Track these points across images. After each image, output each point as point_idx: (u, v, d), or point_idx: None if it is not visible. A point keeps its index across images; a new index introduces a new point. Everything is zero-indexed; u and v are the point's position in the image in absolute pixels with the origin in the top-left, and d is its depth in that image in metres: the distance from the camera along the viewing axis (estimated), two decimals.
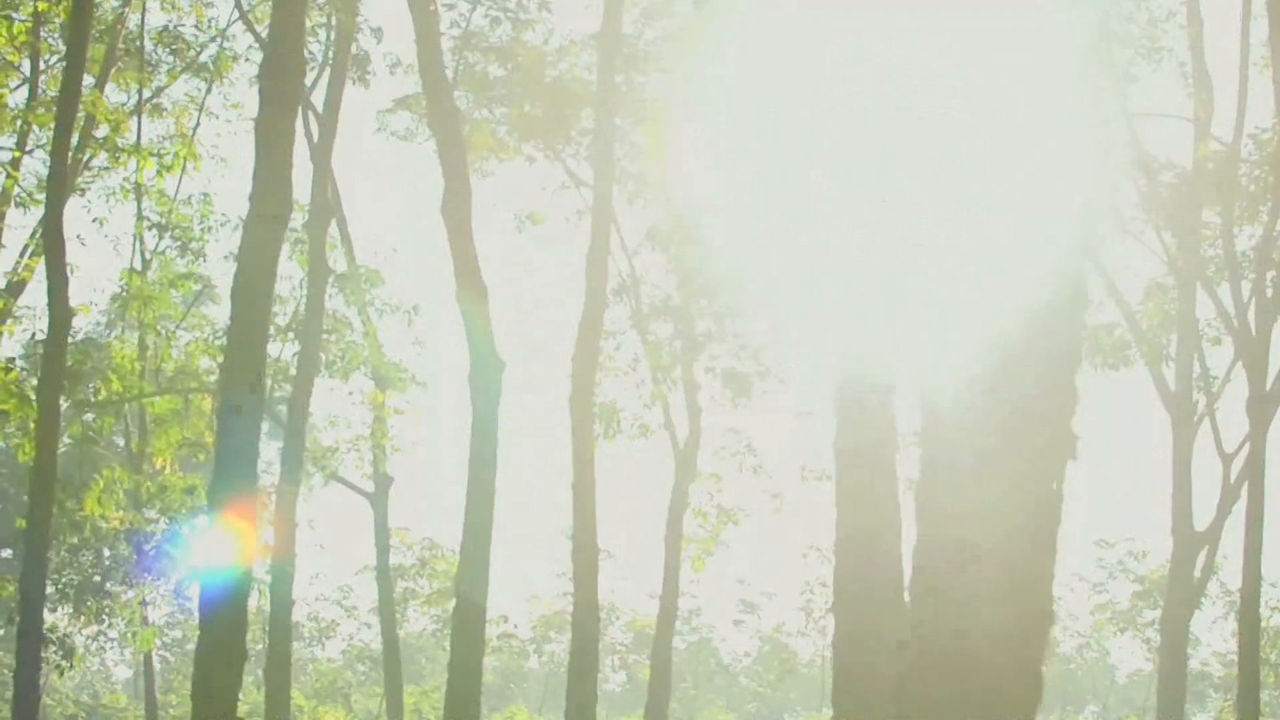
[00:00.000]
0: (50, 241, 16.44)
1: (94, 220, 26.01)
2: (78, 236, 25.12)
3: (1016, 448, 4.97)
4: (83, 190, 25.06)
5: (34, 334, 23.27)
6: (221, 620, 10.51)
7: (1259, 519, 24.71)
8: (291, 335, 26.80)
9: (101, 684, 66.90)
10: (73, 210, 22.40)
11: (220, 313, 33.60)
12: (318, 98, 27.40)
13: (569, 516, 22.88)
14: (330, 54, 27.83)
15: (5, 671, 45.76)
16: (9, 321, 23.87)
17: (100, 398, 23.52)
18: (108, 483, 21.66)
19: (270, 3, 28.27)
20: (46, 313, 17.14)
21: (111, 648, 47.33)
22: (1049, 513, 4.76)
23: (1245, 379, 26.70)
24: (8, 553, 45.08)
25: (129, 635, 23.78)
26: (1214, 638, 57.13)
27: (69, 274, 17.05)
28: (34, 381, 21.24)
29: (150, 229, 27.33)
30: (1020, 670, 4.71)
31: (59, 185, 16.68)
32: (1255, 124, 27.07)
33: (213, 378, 26.18)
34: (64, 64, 16.12)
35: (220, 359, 26.98)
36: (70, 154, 18.68)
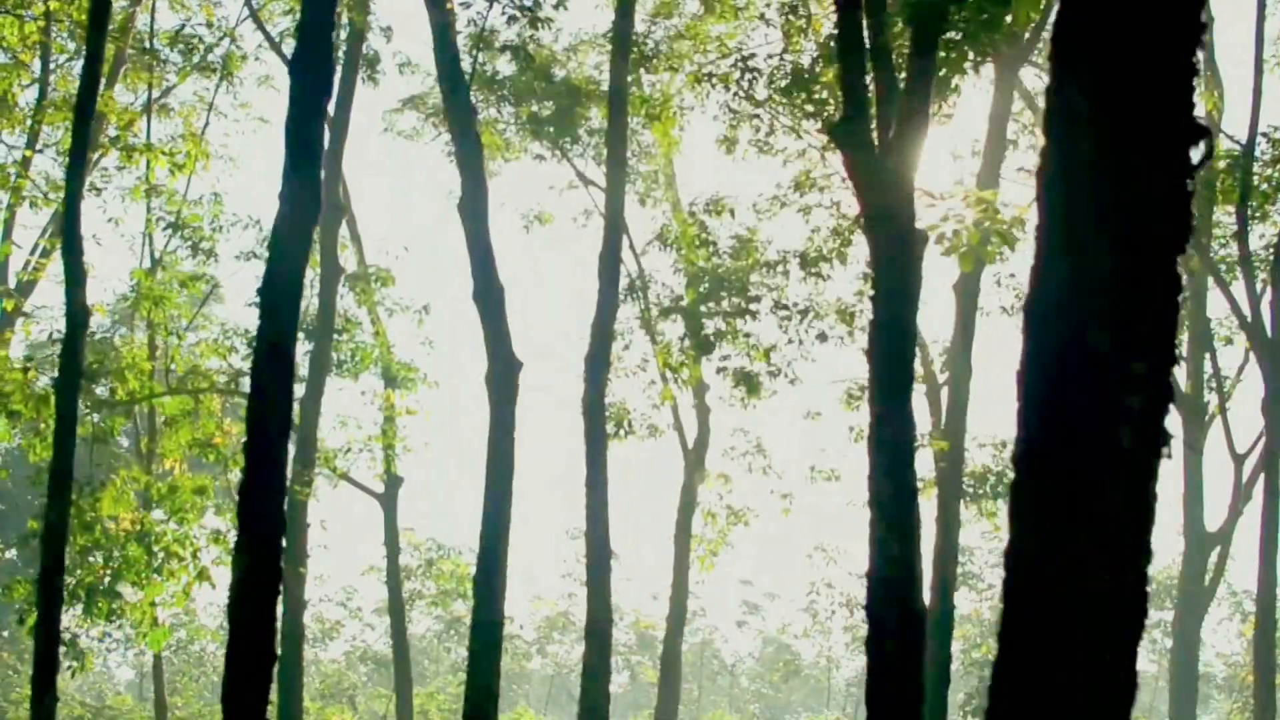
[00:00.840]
0: (68, 240, 16.32)
1: (109, 220, 25.97)
2: (93, 236, 25.03)
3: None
4: (99, 190, 24.97)
5: (51, 333, 23.16)
6: (252, 622, 10.39)
7: (1276, 519, 24.58)
8: (302, 335, 26.69)
9: (105, 685, 66.75)
10: (84, 209, 22.28)
11: (226, 313, 33.51)
12: None
13: (572, 516, 22.82)
14: (341, 54, 27.76)
15: (11, 674, 45.69)
16: (23, 320, 23.77)
17: (117, 397, 23.42)
18: (123, 483, 21.54)
19: (279, 2, 28.32)
20: (53, 312, 17.05)
21: (116, 649, 47.27)
22: (1139, 517, 4.64)
23: (1257, 379, 26.60)
24: (11, 554, 44.97)
25: (139, 636, 23.62)
26: (1218, 639, 57.05)
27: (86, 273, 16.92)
28: (43, 381, 21.16)
29: (165, 229, 27.25)
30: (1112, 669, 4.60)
31: (77, 183, 16.55)
32: (1268, 122, 27.05)
33: (223, 378, 26.05)
34: (83, 62, 15.96)
35: (228, 359, 26.89)
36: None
